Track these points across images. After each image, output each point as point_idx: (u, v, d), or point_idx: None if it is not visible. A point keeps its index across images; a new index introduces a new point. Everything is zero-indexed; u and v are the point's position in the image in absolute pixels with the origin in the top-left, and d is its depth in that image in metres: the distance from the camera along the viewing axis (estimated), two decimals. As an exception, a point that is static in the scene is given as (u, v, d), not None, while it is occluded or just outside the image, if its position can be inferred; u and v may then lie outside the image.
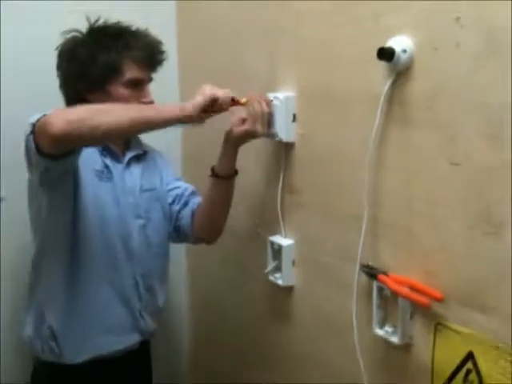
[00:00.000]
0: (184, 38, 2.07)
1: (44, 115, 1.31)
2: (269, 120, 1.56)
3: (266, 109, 1.52)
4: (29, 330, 1.56)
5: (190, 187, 1.74)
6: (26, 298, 1.59)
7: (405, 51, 1.22)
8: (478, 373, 1.16)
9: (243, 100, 1.51)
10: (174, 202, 1.71)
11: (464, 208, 1.16)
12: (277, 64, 1.65)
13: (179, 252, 2.06)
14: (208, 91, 1.38)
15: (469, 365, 1.18)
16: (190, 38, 2.05)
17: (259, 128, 1.52)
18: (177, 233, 1.72)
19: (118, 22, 1.55)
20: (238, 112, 1.55)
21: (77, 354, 1.54)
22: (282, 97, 1.56)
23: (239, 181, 1.66)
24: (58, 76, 1.55)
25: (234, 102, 1.47)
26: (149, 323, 1.66)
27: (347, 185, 1.43)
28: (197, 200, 1.71)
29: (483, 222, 1.12)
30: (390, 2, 1.28)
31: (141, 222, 1.61)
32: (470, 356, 1.17)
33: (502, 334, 1.10)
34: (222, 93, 1.40)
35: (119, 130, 1.33)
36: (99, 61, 1.50)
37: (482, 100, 1.10)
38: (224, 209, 1.67)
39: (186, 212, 1.70)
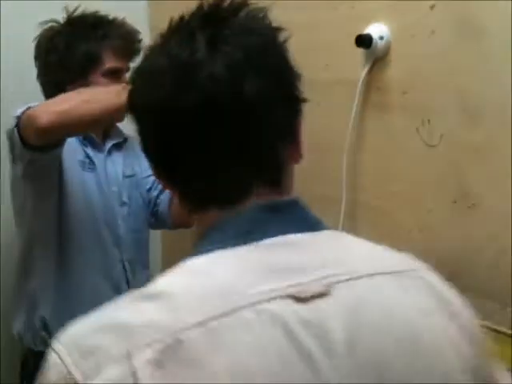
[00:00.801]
0: (156, 25, 2.07)
1: (29, 108, 1.31)
2: None
3: None
4: (18, 324, 1.56)
5: None
6: (15, 293, 1.59)
7: (382, 38, 1.25)
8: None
9: None
10: (151, 187, 1.71)
11: (441, 188, 1.21)
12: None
13: (154, 237, 2.06)
14: None
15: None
16: (163, 26, 2.04)
17: None
18: (155, 218, 1.73)
19: (96, 12, 1.55)
20: None
21: None
22: (260, 83, 1.57)
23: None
24: (36, 66, 1.54)
25: None
26: (136, 308, 1.67)
27: (326, 168, 1.46)
28: None
29: (460, 201, 1.18)
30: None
31: (125, 208, 1.62)
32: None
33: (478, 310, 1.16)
34: None
35: (104, 117, 1.34)
36: (78, 50, 1.49)
37: (456, 85, 1.15)
38: None
39: (164, 197, 1.70)
